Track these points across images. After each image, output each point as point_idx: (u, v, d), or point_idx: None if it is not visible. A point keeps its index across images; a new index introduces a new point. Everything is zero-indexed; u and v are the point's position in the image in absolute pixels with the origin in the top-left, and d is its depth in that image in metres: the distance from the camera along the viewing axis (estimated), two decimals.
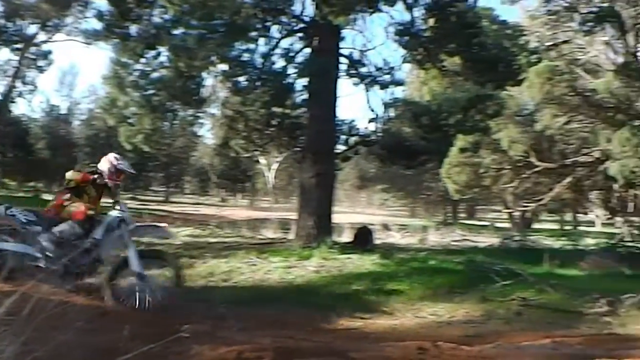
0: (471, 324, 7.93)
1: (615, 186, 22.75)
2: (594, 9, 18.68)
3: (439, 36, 15.48)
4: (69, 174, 7.36)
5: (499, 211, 46.98)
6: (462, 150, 23.58)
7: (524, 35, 20.89)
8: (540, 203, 26.74)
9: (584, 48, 20.43)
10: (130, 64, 15.17)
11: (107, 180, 7.41)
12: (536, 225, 37.79)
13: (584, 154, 23.93)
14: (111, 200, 7.54)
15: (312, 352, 4.75)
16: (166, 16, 14.66)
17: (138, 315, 5.99)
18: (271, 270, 11.25)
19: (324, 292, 9.79)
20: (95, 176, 7.37)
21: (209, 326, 5.83)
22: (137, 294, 6.69)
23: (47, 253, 6.84)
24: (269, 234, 21.47)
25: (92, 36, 15.82)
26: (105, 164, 7.51)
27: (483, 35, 16.24)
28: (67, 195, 7.25)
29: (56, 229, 6.94)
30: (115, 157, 7.60)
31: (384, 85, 16.85)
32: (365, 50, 16.95)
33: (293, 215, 18.67)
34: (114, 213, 7.19)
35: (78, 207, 7.09)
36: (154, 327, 5.02)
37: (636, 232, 28.13)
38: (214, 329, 5.67)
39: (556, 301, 8.98)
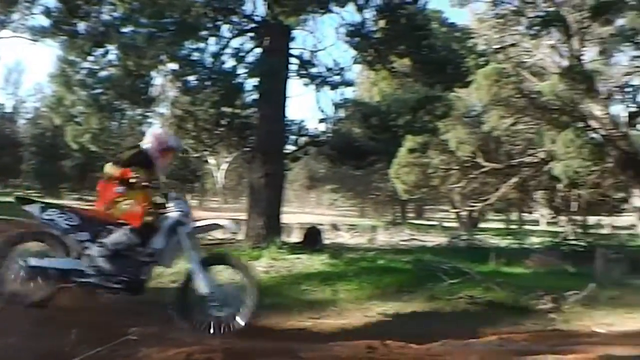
0: (419, 322, 8.02)
1: (560, 186, 23.33)
2: (541, 13, 19.02)
3: (389, 38, 15.63)
4: (108, 168, 6.12)
5: (447, 211, 47.58)
6: (411, 150, 23.84)
7: (473, 38, 21.20)
8: (486, 203, 27.21)
9: (530, 51, 20.77)
10: (77, 62, 14.98)
11: (155, 171, 6.26)
12: (483, 225, 38.47)
13: (529, 155, 24.37)
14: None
15: (261, 352, 4.75)
16: (115, 14, 14.50)
17: (85, 319, 5.88)
18: (220, 271, 11.17)
19: (273, 292, 9.78)
20: (132, 178, 6.00)
21: (158, 328, 5.76)
22: (210, 317, 5.97)
23: (100, 268, 5.88)
24: (218, 234, 21.28)
25: (39, 33, 15.43)
26: (150, 141, 6.37)
27: (432, 37, 16.50)
28: (121, 189, 6.01)
29: (109, 240, 5.87)
30: (163, 133, 6.62)
31: (334, 86, 16.91)
32: (316, 51, 17.01)
33: (242, 216, 18.59)
34: (172, 214, 6.08)
35: (133, 209, 5.95)
36: (102, 331, 4.93)
37: (579, 230, 28.95)
38: (163, 331, 5.60)
39: (502, 299, 9.12)
